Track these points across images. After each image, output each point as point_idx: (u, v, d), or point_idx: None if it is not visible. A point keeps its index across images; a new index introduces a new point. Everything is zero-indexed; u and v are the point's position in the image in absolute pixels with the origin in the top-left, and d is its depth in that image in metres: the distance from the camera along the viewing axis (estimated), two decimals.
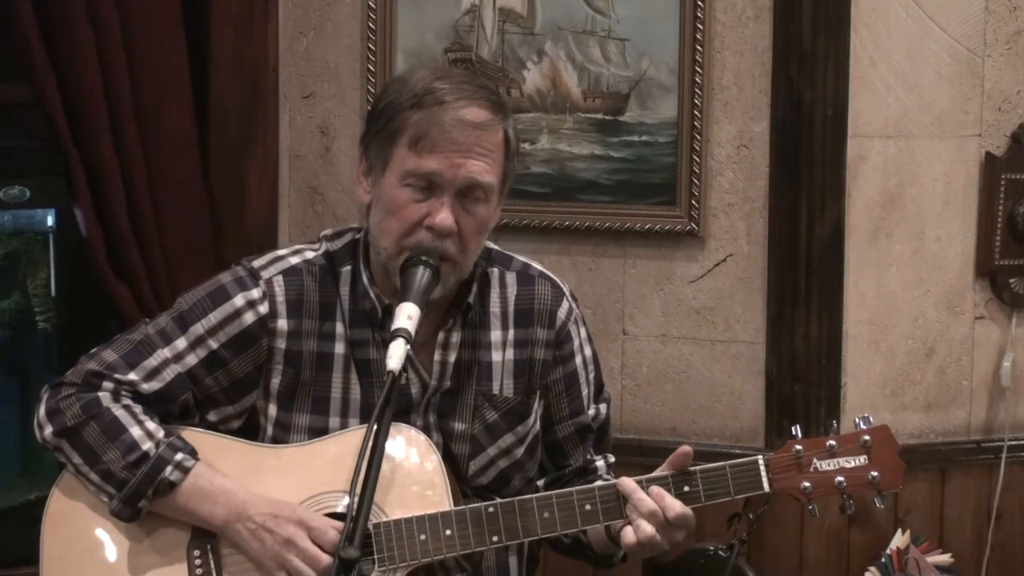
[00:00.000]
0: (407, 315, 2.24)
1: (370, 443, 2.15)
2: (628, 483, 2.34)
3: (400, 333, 2.21)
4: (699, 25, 3.37)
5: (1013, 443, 3.48)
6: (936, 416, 3.49)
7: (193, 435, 2.41)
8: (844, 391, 3.42)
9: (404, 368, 2.21)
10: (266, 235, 3.66)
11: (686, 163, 3.42)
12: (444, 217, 2.31)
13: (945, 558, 3.44)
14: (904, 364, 3.46)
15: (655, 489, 2.32)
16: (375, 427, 2.16)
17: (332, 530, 2.28)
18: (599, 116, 3.48)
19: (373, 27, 3.56)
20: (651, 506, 2.31)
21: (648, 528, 2.31)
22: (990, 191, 3.44)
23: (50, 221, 3.53)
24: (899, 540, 3.42)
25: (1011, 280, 3.48)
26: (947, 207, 3.45)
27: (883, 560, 3.40)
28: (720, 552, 2.47)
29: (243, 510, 2.32)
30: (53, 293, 3.57)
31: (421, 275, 2.30)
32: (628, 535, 2.33)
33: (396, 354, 2.18)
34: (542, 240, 3.53)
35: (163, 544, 2.38)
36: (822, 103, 3.33)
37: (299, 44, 3.67)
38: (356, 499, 2.12)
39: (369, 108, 2.44)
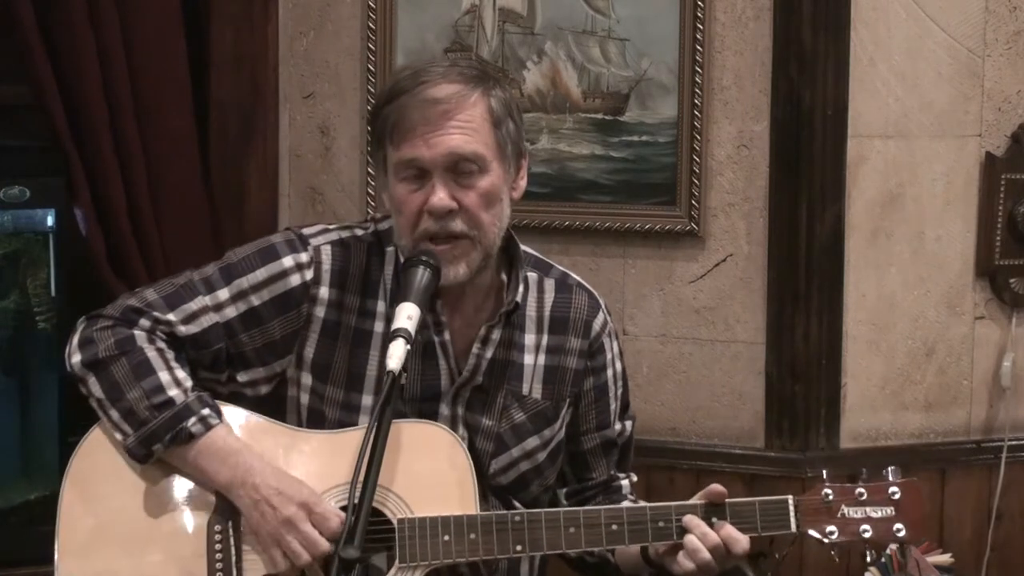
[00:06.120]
0: (407, 315, 2.23)
1: (370, 443, 2.14)
2: (693, 519, 2.34)
3: (400, 333, 2.20)
4: (699, 25, 3.36)
5: (1013, 443, 3.48)
6: (936, 416, 3.49)
7: (226, 410, 2.39)
8: (844, 391, 3.42)
9: (404, 368, 2.20)
10: (266, 235, 3.64)
11: (686, 163, 3.42)
12: (439, 198, 2.30)
13: (945, 558, 3.43)
14: (904, 364, 3.46)
15: (721, 524, 2.34)
16: (375, 427, 2.15)
17: (335, 517, 2.27)
18: (599, 116, 3.47)
19: (373, 27, 3.56)
20: (715, 540, 2.32)
21: (706, 556, 2.32)
22: (990, 191, 3.44)
23: (50, 221, 3.53)
24: None
25: (1011, 280, 3.48)
26: (947, 207, 3.45)
27: (883, 560, 3.40)
28: None
29: (248, 477, 2.30)
30: (53, 293, 3.56)
31: (421, 275, 2.29)
32: (684, 563, 2.34)
33: (396, 354, 2.18)
34: (542, 240, 3.52)
35: (185, 515, 2.35)
36: (822, 103, 3.33)
37: (299, 44, 3.67)
38: (356, 499, 2.11)
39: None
